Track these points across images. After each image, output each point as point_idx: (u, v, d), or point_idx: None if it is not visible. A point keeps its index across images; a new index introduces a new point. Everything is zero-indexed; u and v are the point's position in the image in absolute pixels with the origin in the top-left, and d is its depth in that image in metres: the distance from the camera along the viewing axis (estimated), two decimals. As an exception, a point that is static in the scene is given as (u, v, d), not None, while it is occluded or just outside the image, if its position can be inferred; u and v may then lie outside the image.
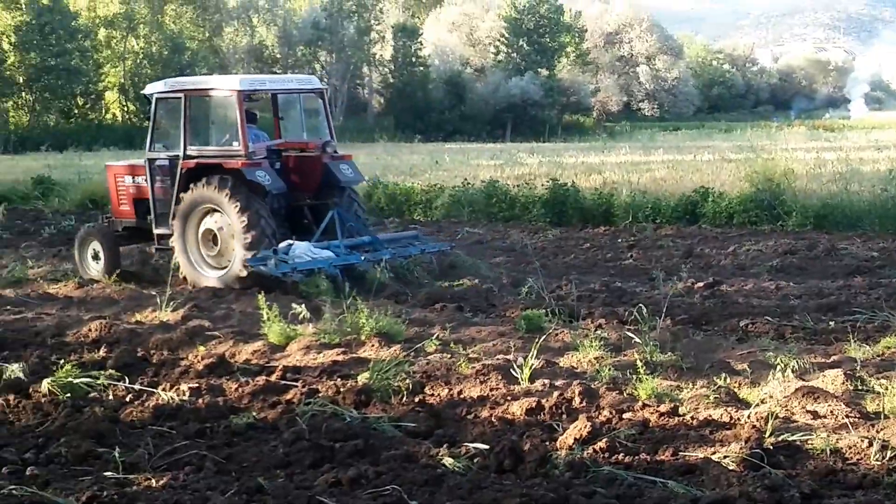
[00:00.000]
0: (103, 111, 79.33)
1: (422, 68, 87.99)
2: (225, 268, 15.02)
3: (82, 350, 10.77)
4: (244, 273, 14.54)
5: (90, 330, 11.61)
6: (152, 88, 16.48)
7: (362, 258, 14.85)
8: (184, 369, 9.86)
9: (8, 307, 13.51)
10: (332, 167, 15.52)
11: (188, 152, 15.14)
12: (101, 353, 10.51)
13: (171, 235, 15.44)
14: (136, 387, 9.13)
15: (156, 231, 15.85)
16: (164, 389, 8.97)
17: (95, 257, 16.36)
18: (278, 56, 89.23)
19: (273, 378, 9.31)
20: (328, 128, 16.09)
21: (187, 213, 15.09)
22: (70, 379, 8.97)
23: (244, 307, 13.14)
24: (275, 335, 11.01)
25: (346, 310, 11.44)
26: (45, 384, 8.91)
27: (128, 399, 8.83)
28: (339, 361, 9.97)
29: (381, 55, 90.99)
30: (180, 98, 15.34)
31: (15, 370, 9.38)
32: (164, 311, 12.62)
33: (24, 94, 73.40)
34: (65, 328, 11.96)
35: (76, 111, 76.06)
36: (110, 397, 8.91)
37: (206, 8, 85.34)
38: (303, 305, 11.43)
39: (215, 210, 14.93)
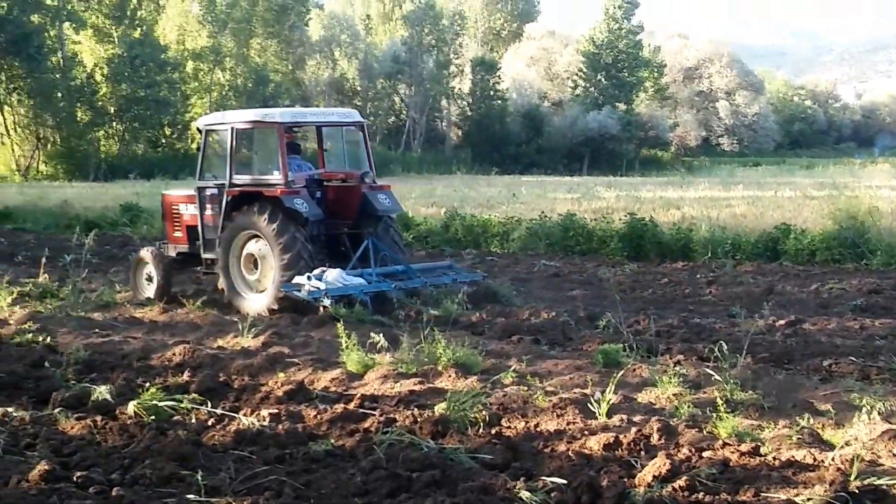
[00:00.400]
0: (189, 141, 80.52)
1: (500, 101, 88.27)
2: (263, 291, 15.62)
3: (167, 374, 10.87)
4: (279, 296, 15.08)
5: (174, 354, 11.74)
6: (203, 121, 17.21)
7: (392, 286, 15.24)
8: (264, 395, 9.89)
9: (96, 330, 13.72)
10: (370, 197, 16.11)
11: (233, 181, 15.79)
12: (185, 377, 10.60)
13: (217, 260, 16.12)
14: (218, 411, 9.18)
15: (204, 256, 16.54)
16: (245, 414, 9.01)
17: (149, 280, 17.10)
18: (359, 88, 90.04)
19: (351, 406, 9.31)
20: (368, 159, 16.57)
21: (231, 239, 15.79)
22: (155, 402, 9.05)
23: (323, 335, 13.19)
24: (353, 363, 11.02)
25: (423, 340, 11.42)
26: (131, 406, 9.00)
27: (210, 423, 8.88)
28: (417, 391, 9.94)
29: (460, 88, 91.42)
30: (227, 130, 16.00)
31: (103, 392, 9.50)
32: (246, 337, 12.72)
33: (114, 123, 74.89)
34: (150, 352, 12.10)
35: (163, 141, 77.45)
36: (193, 421, 8.97)
37: (290, 42, 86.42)
38: (381, 335, 11.43)
39: (256, 236, 15.56)
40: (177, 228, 17.35)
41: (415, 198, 35.44)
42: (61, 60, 73.25)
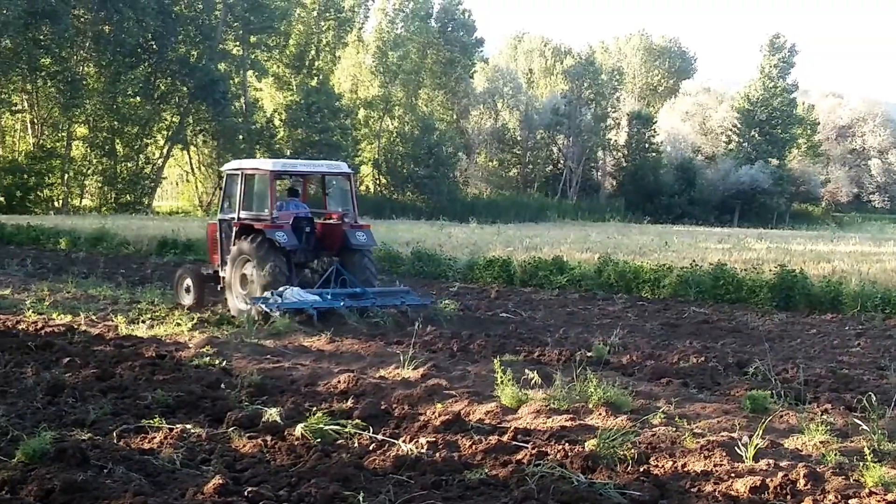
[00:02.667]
0: (359, 184, 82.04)
1: (654, 154, 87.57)
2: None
3: (332, 399, 11.06)
4: (253, 307, 17.65)
5: (339, 382, 11.93)
6: (225, 167, 20.63)
7: (341, 304, 17.68)
8: (422, 424, 9.97)
9: (268, 356, 14.06)
10: (348, 233, 18.97)
11: (241, 216, 18.97)
12: (349, 403, 10.77)
13: None
14: (380, 437, 9.29)
15: (221, 274, 19.56)
16: (404, 441, 9.10)
17: (188, 290, 20.08)
18: (519, 138, 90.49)
19: (505, 438, 9.30)
20: (352, 203, 19.64)
21: (234, 261, 18.79)
22: (321, 425, 9.22)
23: (479, 370, 13.23)
24: (507, 398, 11.02)
25: (575, 378, 11.36)
26: (299, 428, 9.19)
27: (371, 448, 8.99)
28: (568, 427, 9.88)
29: (616, 140, 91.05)
30: (238, 175, 19.26)
31: (273, 414, 9.73)
32: (406, 369, 12.84)
33: (290, 166, 76.69)
34: (317, 379, 12.33)
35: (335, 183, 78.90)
36: (356, 445, 9.10)
37: (456, 92, 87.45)
38: (535, 372, 11.43)
39: (249, 259, 18.44)
40: (213, 251, 20.35)
41: (570, 243, 35.32)
42: (243, 105, 75.59)
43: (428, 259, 28.91)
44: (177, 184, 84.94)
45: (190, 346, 14.70)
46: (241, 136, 74.19)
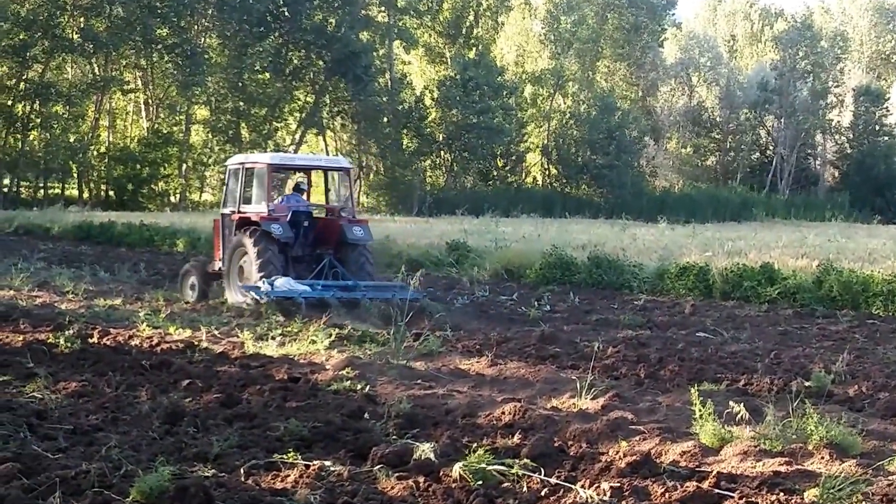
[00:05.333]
0: (523, 174, 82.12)
1: (886, 138, 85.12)
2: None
3: (495, 434, 11.07)
4: (247, 297, 21.10)
5: (503, 413, 11.93)
6: (228, 161, 24.31)
7: (331, 295, 20.67)
8: (604, 465, 9.89)
9: (418, 381, 14.16)
10: (345, 228, 22.30)
11: (241, 209, 22.44)
12: (515, 439, 10.76)
13: None
14: (553, 480, 9.25)
15: (223, 268, 22.79)
16: (583, 486, 9.04)
17: (192, 287, 23.39)
18: (718, 119, 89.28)
19: (705, 485, 9.15)
20: (350, 198, 23.80)
21: (232, 253, 22.26)
22: (482, 465, 9.23)
23: (672, 401, 13.08)
24: (707, 436, 10.85)
25: (791, 413, 11.12)
26: (457, 468, 9.22)
27: (543, 493, 8.96)
28: (782, 473, 9.67)
29: (839, 122, 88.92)
30: (239, 169, 22.83)
31: (426, 450, 9.78)
32: (584, 398, 12.76)
33: (442, 152, 77.16)
34: (477, 409, 12.35)
35: (495, 173, 79.15)
36: (524, 489, 9.08)
37: (642, 65, 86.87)
38: (741, 405, 11.23)
39: (246, 252, 21.66)
40: (216, 247, 23.80)
41: (782, 247, 34.64)
42: (389, 82, 76.56)
43: (608, 266, 28.77)
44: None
45: (327, 367, 14.92)
46: (385, 118, 75.15)
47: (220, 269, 23.11)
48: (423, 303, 21.29)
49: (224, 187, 23.97)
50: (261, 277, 20.88)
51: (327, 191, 24.47)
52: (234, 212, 22.71)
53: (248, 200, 22.82)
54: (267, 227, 21.49)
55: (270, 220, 21.58)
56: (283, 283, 20.64)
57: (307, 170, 24.82)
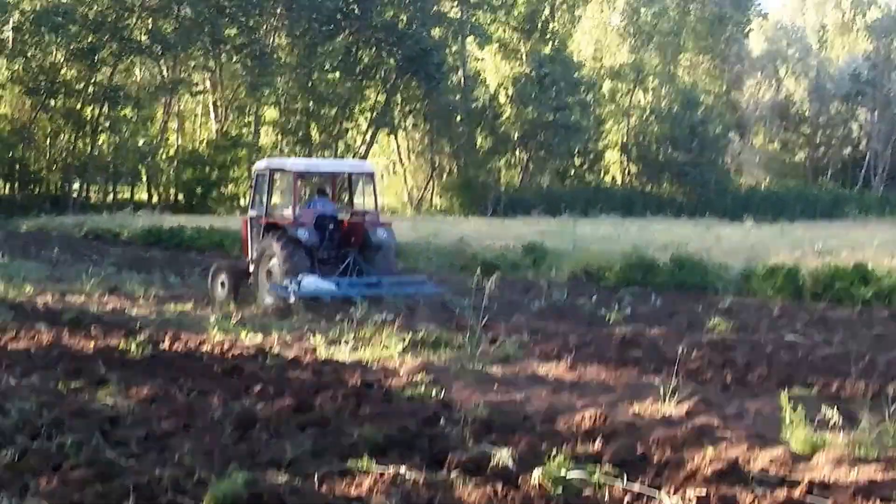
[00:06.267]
0: (602, 173, 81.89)
1: None
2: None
3: (575, 440, 11.07)
4: (273, 296, 22.31)
5: (583, 418, 11.93)
6: (255, 166, 25.86)
7: (356, 293, 21.66)
8: (689, 473, 9.86)
9: (495, 386, 14.19)
10: (369, 231, 23.35)
11: (267, 213, 23.64)
12: (597, 445, 10.75)
13: None
14: (636, 488, 9.24)
15: (251, 269, 23.90)
16: (667, 493, 9.03)
17: (223, 285, 24.29)
18: (807, 113, 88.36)
19: (796, 493, 9.10)
20: (375, 202, 24.30)
21: (260, 256, 23.35)
22: (562, 472, 9.25)
23: (760, 406, 13.00)
24: (798, 442, 10.78)
25: (887, 419, 11.02)
26: (536, 475, 9.24)
27: (626, 501, 8.97)
28: (878, 481, 9.57)
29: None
30: (266, 174, 24.01)
31: (504, 456, 9.82)
32: (668, 403, 12.73)
33: (517, 151, 77.16)
34: (556, 414, 12.36)
35: (572, 172, 79.01)
36: (606, 497, 9.08)
37: (726, 58, 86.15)
38: (834, 409, 11.15)
39: (274, 255, 22.78)
40: (245, 247, 24.94)
41: (876, 246, 34.20)
42: (462, 80, 76.61)
43: (692, 267, 28.64)
44: (382, 176, 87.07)
45: (401, 372, 15.00)
46: (458, 117, 75.26)
47: (247, 266, 24.24)
48: (447, 298, 22.99)
49: (251, 190, 25.38)
50: (285, 278, 22.04)
51: (352, 195, 25.59)
52: (261, 215, 23.84)
53: (274, 205, 24.35)
54: (293, 233, 22.63)
55: (297, 225, 22.73)
56: (309, 281, 21.73)
57: (332, 175, 26.41)
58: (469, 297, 18.60)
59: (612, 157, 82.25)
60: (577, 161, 79.89)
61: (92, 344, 16.42)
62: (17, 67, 68.13)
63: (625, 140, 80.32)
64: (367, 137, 75.55)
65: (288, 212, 23.43)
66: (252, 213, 24.65)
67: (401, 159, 78.84)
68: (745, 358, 16.73)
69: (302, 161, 25.78)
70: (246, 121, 73.79)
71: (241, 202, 69.37)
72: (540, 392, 13.94)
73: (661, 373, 14.84)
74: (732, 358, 16.69)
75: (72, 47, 67.09)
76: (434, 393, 13.43)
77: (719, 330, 18.84)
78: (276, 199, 24.71)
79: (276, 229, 23.11)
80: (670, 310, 24.04)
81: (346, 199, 25.66)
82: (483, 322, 17.39)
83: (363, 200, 25.42)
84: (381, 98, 74.62)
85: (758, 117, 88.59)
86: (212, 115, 73.99)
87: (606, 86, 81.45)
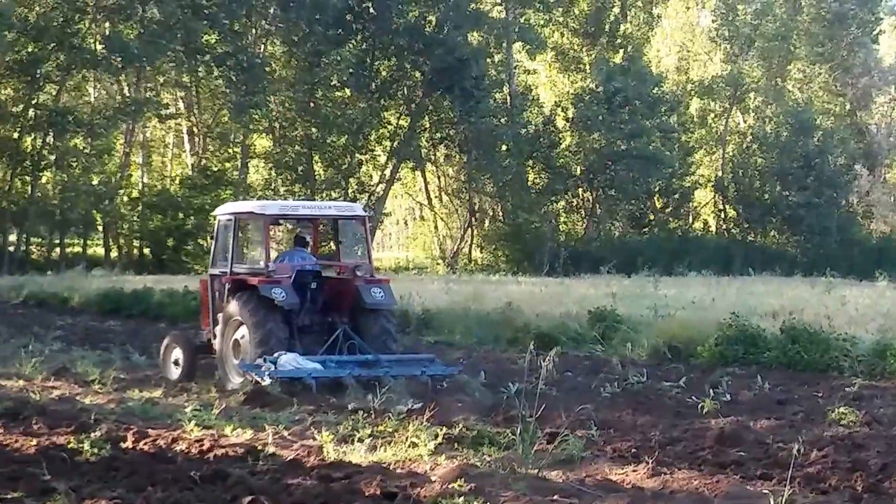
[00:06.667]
0: (690, 217, 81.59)
1: None
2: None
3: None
4: (240, 378, 22.46)
5: (671, 540, 11.92)
6: (216, 211, 26.18)
7: (347, 373, 22.04)
8: None
9: (556, 497, 14.14)
10: (362, 290, 23.35)
11: (233, 269, 23.60)
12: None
13: None
14: None
15: (213, 341, 24.00)
16: None
17: (176, 363, 24.46)
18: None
19: None
20: (367, 252, 24.71)
21: (225, 325, 23.26)
22: None
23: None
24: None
25: None
26: None
27: None
28: None
29: None
30: (231, 220, 24.09)
31: None
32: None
33: (580, 190, 76.83)
34: (634, 535, 12.34)
35: (652, 217, 78.69)
36: None
37: (849, 68, 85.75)
38: None
39: (242, 323, 22.81)
40: (204, 314, 25.40)
41: None
42: (508, 98, 76.50)
43: (808, 340, 28.48)
44: (406, 223, 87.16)
45: (433, 478, 14.96)
46: (504, 146, 74.95)
47: (208, 339, 24.51)
48: (460, 378, 23.26)
49: (213, 243, 25.63)
50: (260, 354, 22.02)
51: (338, 244, 25.69)
52: (225, 273, 23.88)
53: (241, 259, 24.78)
54: (266, 292, 22.58)
55: (270, 283, 22.74)
56: (288, 359, 21.82)
57: (313, 219, 26.36)
58: (519, 379, 18.49)
59: (704, 197, 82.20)
60: (659, 203, 79.81)
61: (34, 442, 16.45)
62: (-67, 86, 68.55)
63: (720, 175, 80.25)
64: (387, 173, 75.49)
65: (259, 267, 23.67)
66: (213, 270, 24.89)
67: (430, 201, 78.88)
68: (881, 459, 16.64)
69: (275, 203, 26.10)
70: (230, 152, 73.93)
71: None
72: (614, 503, 13.92)
73: (772, 479, 14.81)
74: (863, 459, 16.61)
75: (7, 59, 67.11)
76: (476, 507, 13.41)
77: (846, 422, 18.70)
78: (243, 251, 25.12)
79: (245, 289, 23.13)
80: (781, 396, 23.96)
81: (333, 249, 25.96)
82: (539, 412, 17.34)
83: (354, 251, 25.78)
84: (405, 122, 74.70)
85: (892, 145, 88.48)
86: (186, 145, 74.27)
87: (695, 105, 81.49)
